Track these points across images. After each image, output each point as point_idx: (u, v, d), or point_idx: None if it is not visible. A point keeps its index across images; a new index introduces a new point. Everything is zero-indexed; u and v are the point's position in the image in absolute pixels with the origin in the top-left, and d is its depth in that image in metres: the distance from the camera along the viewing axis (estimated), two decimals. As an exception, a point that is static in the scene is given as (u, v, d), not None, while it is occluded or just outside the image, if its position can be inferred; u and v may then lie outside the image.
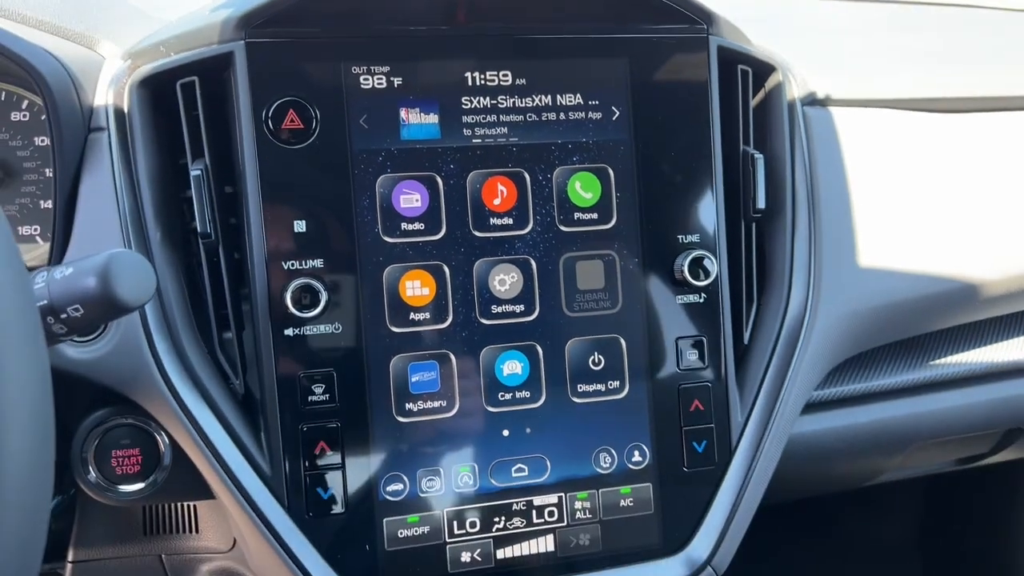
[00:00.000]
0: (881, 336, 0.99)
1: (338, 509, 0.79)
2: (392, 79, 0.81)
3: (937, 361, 1.09)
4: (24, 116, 0.89)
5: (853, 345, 0.96)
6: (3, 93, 0.88)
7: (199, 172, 0.77)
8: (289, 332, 0.78)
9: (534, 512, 0.83)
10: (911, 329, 1.02)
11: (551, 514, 0.84)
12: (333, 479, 0.79)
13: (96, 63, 0.85)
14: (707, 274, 0.86)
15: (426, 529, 0.81)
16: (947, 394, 1.10)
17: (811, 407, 1.02)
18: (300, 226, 0.78)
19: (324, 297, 0.77)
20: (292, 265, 0.78)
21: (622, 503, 0.85)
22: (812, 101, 0.97)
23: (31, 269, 0.63)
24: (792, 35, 1.09)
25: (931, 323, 1.04)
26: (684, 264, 0.85)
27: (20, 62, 0.74)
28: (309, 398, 0.78)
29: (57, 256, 0.79)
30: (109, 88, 0.81)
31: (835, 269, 0.93)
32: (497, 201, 0.83)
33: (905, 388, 1.08)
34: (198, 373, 0.78)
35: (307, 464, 0.78)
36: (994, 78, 1.09)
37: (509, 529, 0.83)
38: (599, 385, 0.85)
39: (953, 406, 1.10)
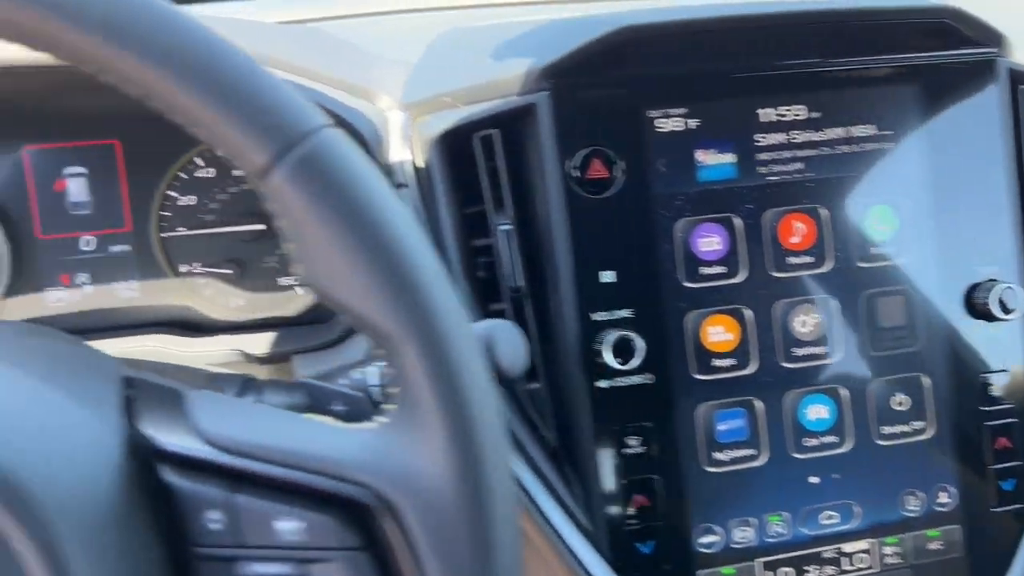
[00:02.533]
0: None
1: (655, 562, 0.77)
2: (688, 121, 0.79)
3: None
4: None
5: None
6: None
7: (508, 227, 0.77)
8: (603, 384, 0.76)
9: (844, 560, 0.81)
10: None
11: (862, 561, 0.81)
12: (649, 532, 0.77)
13: (381, 116, 0.85)
14: (1010, 305, 0.82)
15: (739, 579, 0.79)
16: None
17: None
18: (608, 276, 0.77)
19: (637, 348, 0.76)
20: (603, 316, 0.77)
21: (931, 546, 0.82)
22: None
23: None
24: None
25: None
26: (986, 296, 0.82)
27: (340, 122, 0.74)
28: (623, 451, 0.77)
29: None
30: (403, 143, 0.81)
31: None
32: (795, 239, 0.80)
33: None
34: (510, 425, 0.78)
35: (625, 517, 0.77)
36: None
37: (820, 577, 0.81)
38: (903, 426, 0.82)
39: None
